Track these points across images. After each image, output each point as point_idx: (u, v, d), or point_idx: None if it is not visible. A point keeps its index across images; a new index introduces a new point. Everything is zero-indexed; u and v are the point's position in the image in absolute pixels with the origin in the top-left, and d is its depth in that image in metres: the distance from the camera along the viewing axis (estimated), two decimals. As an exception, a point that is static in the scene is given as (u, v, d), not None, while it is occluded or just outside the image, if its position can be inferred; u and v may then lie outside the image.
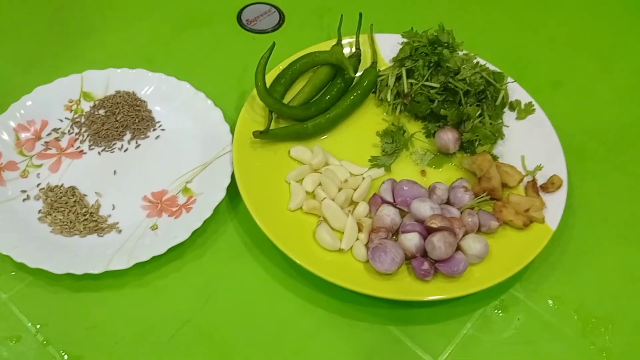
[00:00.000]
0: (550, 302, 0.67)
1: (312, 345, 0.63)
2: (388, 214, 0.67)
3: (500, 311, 0.66)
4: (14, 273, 0.66)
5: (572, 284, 0.68)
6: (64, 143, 0.76)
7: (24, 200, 0.71)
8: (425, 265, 0.64)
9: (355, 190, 0.71)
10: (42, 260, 0.64)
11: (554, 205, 0.69)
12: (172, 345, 0.62)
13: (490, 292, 0.66)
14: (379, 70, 0.81)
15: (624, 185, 0.76)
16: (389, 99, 0.78)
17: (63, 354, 0.61)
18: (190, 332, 0.63)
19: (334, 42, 0.82)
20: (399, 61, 0.79)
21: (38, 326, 0.63)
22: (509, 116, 0.78)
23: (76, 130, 0.78)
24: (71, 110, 0.79)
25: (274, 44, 0.75)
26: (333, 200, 0.69)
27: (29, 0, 0.92)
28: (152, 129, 0.78)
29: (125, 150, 0.76)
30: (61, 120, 0.78)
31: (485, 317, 0.66)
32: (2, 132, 0.75)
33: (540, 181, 0.72)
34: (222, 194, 0.70)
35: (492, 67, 0.79)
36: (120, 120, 0.78)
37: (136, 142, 0.77)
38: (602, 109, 0.84)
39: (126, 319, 0.64)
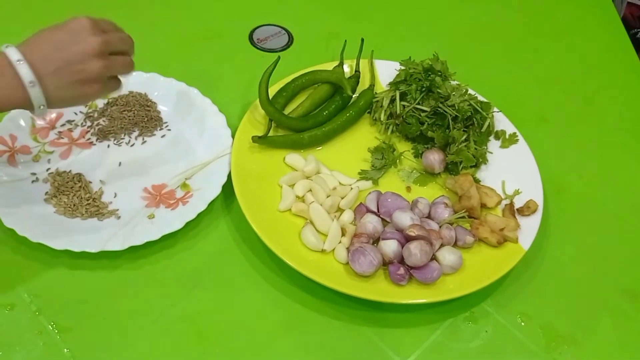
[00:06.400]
0: (518, 318, 0.70)
1: (287, 338, 0.67)
2: (371, 222, 0.71)
3: (470, 322, 0.69)
4: (15, 247, 0.71)
5: (540, 303, 0.71)
6: (76, 134, 0.82)
7: (32, 181, 0.76)
8: (401, 271, 0.68)
9: (342, 198, 0.75)
10: (43, 236, 0.68)
11: (528, 228, 0.73)
12: (156, 325, 0.66)
13: (462, 303, 0.70)
14: (376, 93, 0.86)
15: (597, 218, 0.80)
16: (382, 119, 0.84)
17: (53, 324, 0.65)
18: (175, 315, 0.67)
19: (336, 63, 0.88)
20: (394, 84, 0.84)
21: (32, 297, 0.67)
22: (494, 144, 0.83)
23: (89, 123, 0.83)
24: (86, 105, 0.84)
25: (279, 57, 0.81)
26: (321, 205, 0.74)
27: (61, 5, 0.99)
28: (159, 128, 0.83)
29: (132, 145, 0.81)
30: (76, 114, 0.84)
31: (455, 326, 0.69)
32: (19, 119, 0.80)
33: (517, 205, 0.76)
34: (217, 190, 0.74)
35: (481, 98, 0.85)
36: (130, 118, 0.83)
37: (143, 139, 0.82)
38: (583, 146, 0.89)
39: (116, 297, 0.68)
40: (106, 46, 0.63)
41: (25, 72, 0.59)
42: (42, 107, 0.62)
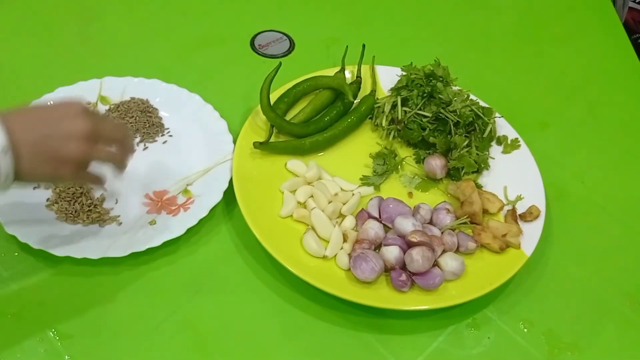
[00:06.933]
0: (521, 324, 0.70)
1: (289, 344, 0.66)
2: (372, 228, 0.71)
3: (472, 329, 0.69)
4: (17, 254, 0.71)
5: (543, 310, 0.71)
6: (77, 140, 0.82)
7: (34, 188, 0.75)
8: (403, 277, 0.67)
9: (344, 204, 0.75)
10: (44, 243, 0.68)
11: (531, 234, 0.73)
12: (158, 331, 0.66)
13: (464, 310, 0.70)
14: (377, 99, 0.86)
15: (600, 223, 0.80)
16: (383, 125, 0.84)
17: (54, 331, 0.65)
18: (176, 322, 0.67)
19: (337, 69, 0.88)
20: (395, 90, 0.84)
21: (34, 304, 0.67)
22: (496, 150, 0.83)
23: (90, 129, 0.83)
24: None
25: (280, 63, 0.81)
26: (322, 211, 0.73)
27: (61, 9, 1.00)
28: (160, 134, 0.83)
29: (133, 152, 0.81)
30: (77, 120, 0.84)
31: (457, 333, 0.69)
32: (21, 125, 0.80)
33: (519, 210, 0.76)
34: (219, 196, 0.74)
35: (482, 104, 0.84)
36: (132, 124, 0.83)
37: (144, 145, 0.82)
38: (585, 151, 0.88)
39: (117, 304, 0.68)
40: (93, 132, 0.59)
41: None
42: (7, 178, 0.56)
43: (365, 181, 0.79)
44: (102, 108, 0.85)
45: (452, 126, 0.80)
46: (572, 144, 0.89)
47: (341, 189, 0.77)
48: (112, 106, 0.85)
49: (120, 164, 0.65)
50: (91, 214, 0.73)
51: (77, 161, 0.59)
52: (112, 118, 0.66)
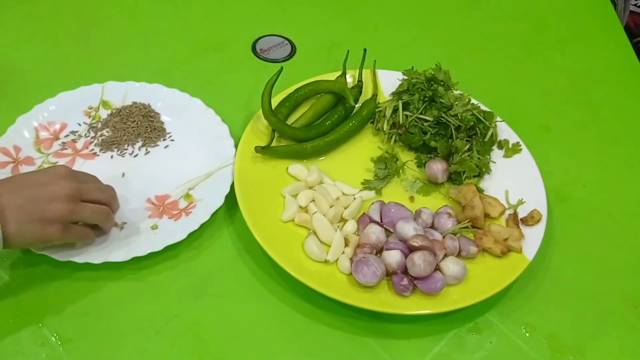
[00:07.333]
0: (523, 328, 0.70)
1: (290, 348, 0.66)
2: (374, 232, 0.71)
3: (474, 333, 0.69)
4: (19, 258, 0.71)
5: (545, 314, 0.71)
6: (79, 145, 0.82)
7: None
8: (405, 281, 0.67)
9: (345, 208, 0.75)
10: (46, 247, 0.68)
11: (532, 238, 0.73)
12: (159, 336, 0.66)
13: (466, 314, 0.70)
14: (378, 103, 0.86)
15: (601, 227, 0.80)
16: (385, 129, 0.84)
17: (55, 335, 0.65)
18: (178, 326, 0.67)
19: (339, 73, 0.88)
20: (396, 94, 0.84)
21: (35, 308, 0.67)
22: (497, 154, 0.83)
23: (92, 134, 0.83)
24: (90, 116, 0.85)
25: (281, 68, 0.81)
26: (324, 215, 0.73)
27: (64, 14, 1.00)
28: (162, 138, 0.83)
29: (135, 156, 0.81)
30: (79, 124, 0.84)
31: (459, 337, 0.69)
32: (23, 130, 0.80)
33: (521, 215, 0.76)
34: (220, 201, 0.74)
35: (484, 108, 0.85)
36: (133, 129, 0.83)
37: (146, 150, 0.82)
38: (586, 155, 0.88)
39: (118, 309, 0.68)
40: (77, 192, 0.64)
41: None
42: None
43: (366, 185, 0.79)
44: (104, 112, 0.85)
45: (453, 130, 0.80)
46: (574, 148, 0.89)
47: (342, 193, 0.77)
48: (113, 111, 0.85)
49: (105, 224, 0.69)
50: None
51: (62, 220, 0.63)
52: (97, 181, 0.70)
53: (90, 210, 0.66)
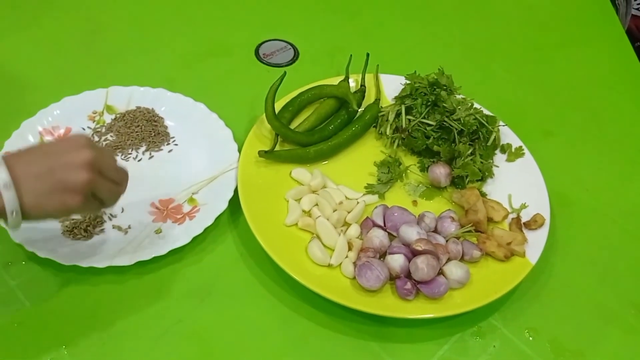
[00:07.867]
0: (526, 332, 0.70)
1: (294, 352, 0.67)
2: (377, 236, 0.71)
3: (477, 337, 0.69)
4: (24, 263, 0.71)
5: (548, 318, 0.71)
6: (83, 149, 0.82)
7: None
8: (408, 285, 0.68)
9: (349, 212, 0.75)
10: (50, 251, 0.69)
11: (535, 242, 0.73)
12: (163, 341, 0.66)
13: (469, 318, 0.70)
14: (381, 107, 0.87)
15: (604, 231, 0.80)
16: (388, 133, 0.84)
17: (60, 340, 0.65)
18: (182, 330, 0.67)
19: (342, 78, 0.89)
20: (399, 99, 0.85)
21: (39, 312, 0.67)
22: (500, 158, 0.83)
23: (96, 139, 0.84)
24: (94, 121, 0.85)
25: (284, 73, 0.81)
26: (327, 219, 0.74)
27: (69, 20, 1.00)
28: (166, 143, 0.84)
29: (139, 160, 0.82)
30: (83, 129, 0.84)
31: (462, 341, 0.69)
32: (28, 135, 0.81)
33: (524, 219, 0.76)
34: (224, 205, 0.75)
35: (486, 112, 0.85)
36: (137, 133, 0.84)
37: (150, 154, 0.83)
38: (589, 158, 0.88)
39: (122, 313, 0.68)
40: (97, 163, 0.59)
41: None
42: (14, 213, 0.55)
43: (369, 189, 0.79)
44: (108, 117, 0.85)
45: (456, 134, 0.80)
46: (576, 152, 0.89)
47: (346, 197, 0.77)
48: (118, 115, 0.86)
49: (112, 205, 0.64)
50: (98, 225, 0.74)
51: (83, 190, 0.58)
52: (114, 158, 0.66)
53: (108, 187, 0.61)
